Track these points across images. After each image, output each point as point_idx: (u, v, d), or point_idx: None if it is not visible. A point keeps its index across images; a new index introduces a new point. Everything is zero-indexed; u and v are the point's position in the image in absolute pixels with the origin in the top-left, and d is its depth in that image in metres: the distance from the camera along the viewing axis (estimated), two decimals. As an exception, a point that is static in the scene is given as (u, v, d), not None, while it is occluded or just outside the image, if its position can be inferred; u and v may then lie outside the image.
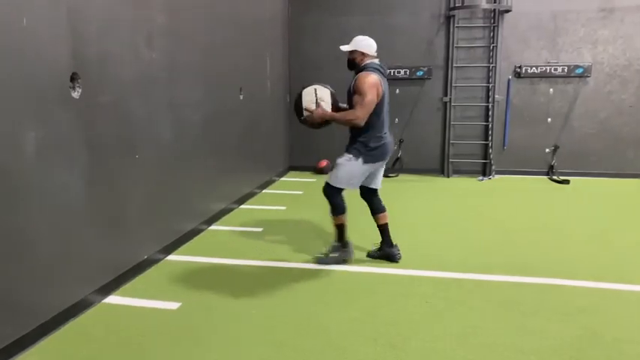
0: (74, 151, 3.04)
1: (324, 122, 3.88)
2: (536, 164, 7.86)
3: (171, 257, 4.21)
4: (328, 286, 3.62)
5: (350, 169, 3.80)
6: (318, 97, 3.84)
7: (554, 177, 7.60)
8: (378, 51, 3.87)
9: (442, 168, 8.11)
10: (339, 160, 3.85)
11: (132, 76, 3.67)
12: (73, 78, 2.99)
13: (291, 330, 2.96)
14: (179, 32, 4.37)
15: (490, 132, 7.81)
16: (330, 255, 4.00)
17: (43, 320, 2.83)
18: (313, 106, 3.84)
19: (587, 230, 5.00)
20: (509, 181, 7.56)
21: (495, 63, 7.64)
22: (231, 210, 5.69)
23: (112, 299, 3.38)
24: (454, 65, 7.76)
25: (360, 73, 3.71)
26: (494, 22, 7.60)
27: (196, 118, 4.76)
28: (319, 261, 4.02)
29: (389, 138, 3.88)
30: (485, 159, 7.93)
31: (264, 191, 6.86)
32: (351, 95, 3.75)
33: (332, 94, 3.91)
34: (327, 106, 3.85)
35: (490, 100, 7.76)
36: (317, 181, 7.67)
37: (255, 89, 6.48)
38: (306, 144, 8.41)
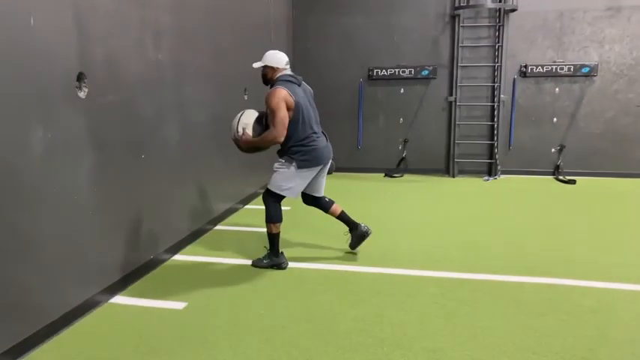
0: (80, 151, 3.03)
1: (255, 148, 3.88)
2: (542, 164, 7.82)
3: (178, 257, 4.20)
4: (336, 286, 3.60)
5: (285, 176, 3.82)
6: (242, 122, 3.79)
7: (560, 177, 7.57)
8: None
9: (447, 168, 8.08)
10: (275, 166, 3.89)
11: (139, 76, 3.66)
12: (80, 78, 2.99)
13: (298, 330, 2.94)
14: (185, 33, 4.37)
15: (495, 132, 7.79)
16: (264, 261, 3.97)
17: (51, 320, 2.82)
18: (240, 133, 3.80)
19: (593, 230, 4.97)
20: (515, 181, 7.53)
21: (501, 62, 7.61)
22: (236, 210, 5.68)
23: (119, 299, 3.37)
24: (459, 65, 7.74)
25: (269, 91, 3.74)
26: (499, 22, 7.58)
27: (203, 118, 4.76)
28: (254, 263, 4.00)
29: (321, 142, 3.88)
30: (491, 159, 7.90)
31: (269, 191, 6.84)
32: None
33: (259, 118, 3.85)
34: (249, 130, 3.79)
35: (495, 99, 7.74)
36: (322, 182, 7.65)
37: (260, 90, 6.43)
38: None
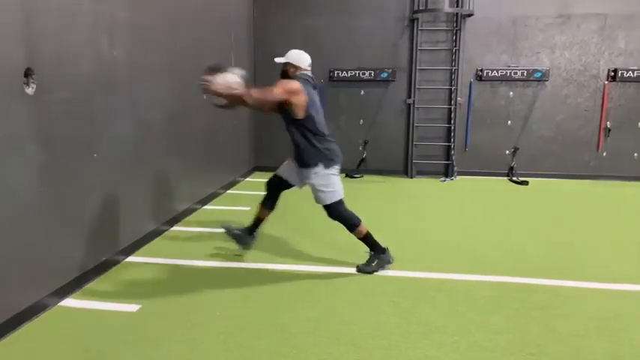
0: (28, 149, 2.92)
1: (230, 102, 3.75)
2: (496, 165, 8.04)
3: (132, 259, 4.11)
4: (291, 287, 3.60)
5: (327, 183, 3.76)
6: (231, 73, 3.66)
7: (514, 178, 7.80)
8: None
9: (406, 169, 8.20)
10: (314, 181, 3.76)
11: (92, 73, 3.56)
12: (28, 74, 2.88)
13: (253, 331, 2.92)
14: (142, 30, 4.28)
15: (452, 134, 7.95)
16: (372, 264, 3.87)
17: (-6, 325, 2.72)
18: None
19: (544, 230, 5.14)
20: (471, 182, 7.71)
21: (457, 66, 7.78)
22: (194, 210, 5.60)
23: (69, 302, 3.26)
24: (418, 68, 7.86)
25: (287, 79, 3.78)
26: (456, 26, 7.74)
27: (159, 116, 4.67)
28: (361, 269, 3.89)
29: (335, 144, 3.87)
30: (448, 160, 8.06)
31: (228, 192, 6.78)
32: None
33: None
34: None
35: (452, 102, 7.90)
36: (282, 182, 7.64)
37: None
38: (271, 144, 8.35)
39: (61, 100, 3.22)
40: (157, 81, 4.61)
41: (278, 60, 3.91)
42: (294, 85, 3.69)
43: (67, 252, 3.36)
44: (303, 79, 3.79)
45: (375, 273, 3.85)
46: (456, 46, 7.77)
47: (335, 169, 3.83)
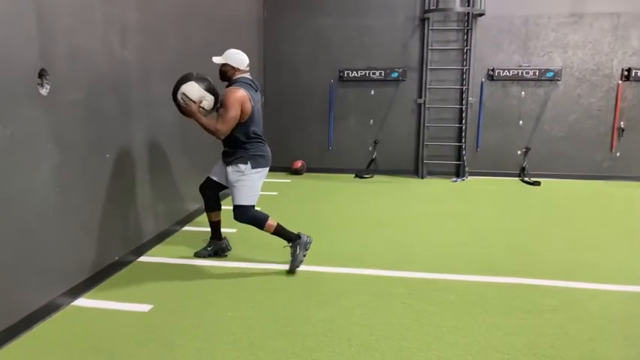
0: (42, 150, 2.95)
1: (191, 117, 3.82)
2: (508, 166, 7.99)
3: (144, 258, 4.13)
4: (303, 288, 3.60)
5: (246, 184, 3.80)
6: (203, 95, 3.72)
7: (526, 178, 7.74)
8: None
9: (416, 169, 8.17)
10: (233, 178, 3.81)
11: (104, 74, 3.59)
12: (42, 74, 2.90)
13: (265, 331, 2.93)
14: (153, 31, 4.31)
15: (463, 134, 7.91)
16: (297, 253, 3.84)
17: (9, 324, 2.74)
18: (196, 99, 3.70)
19: (556, 231, 5.10)
20: (482, 183, 7.67)
21: (469, 66, 7.74)
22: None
23: (82, 302, 3.29)
24: (428, 67, 7.83)
25: (229, 87, 3.75)
26: (467, 26, 7.70)
27: (170, 117, 4.68)
28: (292, 267, 3.86)
29: (266, 146, 3.94)
30: (459, 160, 8.02)
31: (238, 192, 6.79)
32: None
33: (216, 99, 3.83)
34: (208, 104, 3.77)
35: (464, 102, 7.86)
36: (292, 182, 7.66)
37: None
38: (280, 145, 8.36)
39: (74, 100, 3.24)
40: (167, 81, 4.61)
41: (216, 60, 3.89)
42: (242, 96, 3.67)
43: (80, 252, 3.38)
44: (246, 84, 3.79)
45: (303, 260, 3.84)
46: (467, 46, 7.73)
47: (261, 171, 3.87)
